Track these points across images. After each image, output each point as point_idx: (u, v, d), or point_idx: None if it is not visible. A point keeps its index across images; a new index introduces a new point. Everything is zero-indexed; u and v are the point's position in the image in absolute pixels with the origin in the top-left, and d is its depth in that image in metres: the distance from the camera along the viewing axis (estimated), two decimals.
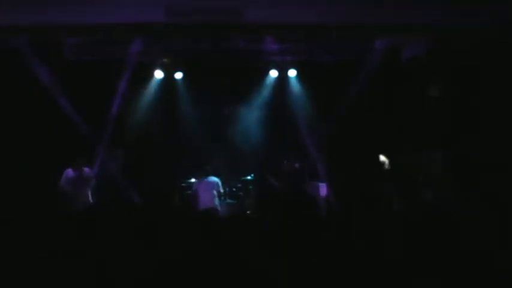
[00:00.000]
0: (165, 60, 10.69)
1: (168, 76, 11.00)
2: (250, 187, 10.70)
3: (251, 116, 11.25)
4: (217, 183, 9.67)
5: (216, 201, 9.61)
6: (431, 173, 7.56)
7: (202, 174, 9.75)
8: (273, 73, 11.00)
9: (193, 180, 10.21)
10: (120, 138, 10.58)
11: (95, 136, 9.89)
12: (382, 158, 8.87)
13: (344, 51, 9.61)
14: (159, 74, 10.89)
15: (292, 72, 10.88)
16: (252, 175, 10.76)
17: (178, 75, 11.09)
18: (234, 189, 10.62)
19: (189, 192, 10.15)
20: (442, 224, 4.11)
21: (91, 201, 8.87)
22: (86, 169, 9.00)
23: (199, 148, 10.92)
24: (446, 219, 4.21)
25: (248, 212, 10.15)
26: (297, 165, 9.84)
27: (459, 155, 7.39)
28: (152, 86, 11.05)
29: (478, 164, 7.10)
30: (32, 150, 9.56)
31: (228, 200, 10.36)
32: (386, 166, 8.74)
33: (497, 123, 7.48)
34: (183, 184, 10.48)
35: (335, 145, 10.13)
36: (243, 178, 10.75)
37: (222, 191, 9.74)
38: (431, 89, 8.93)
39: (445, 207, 6.14)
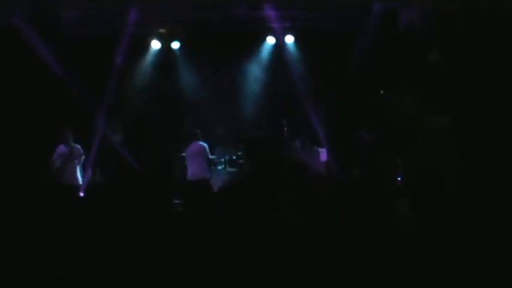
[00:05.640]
0: (161, 30, 10.63)
1: (165, 46, 10.97)
2: None
3: (250, 84, 11.26)
4: (204, 148, 9.47)
5: (206, 170, 9.47)
6: (433, 139, 7.63)
7: (190, 139, 9.60)
8: (270, 40, 10.96)
9: None
10: (119, 110, 10.56)
11: (93, 108, 9.86)
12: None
13: (343, 18, 9.63)
14: (156, 45, 10.84)
15: (289, 39, 10.84)
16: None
17: (175, 45, 11.03)
18: (234, 157, 10.66)
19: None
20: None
21: (79, 177, 9.00)
22: (77, 146, 9.03)
23: (199, 117, 10.93)
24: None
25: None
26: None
27: (464, 121, 7.50)
28: (149, 57, 11.00)
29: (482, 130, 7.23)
30: (30, 125, 9.53)
31: (229, 169, 10.43)
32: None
33: (499, 87, 7.56)
34: (183, 154, 10.49)
35: (335, 112, 10.19)
36: (243, 146, 10.80)
37: (210, 157, 9.63)
38: (430, 53, 8.96)
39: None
